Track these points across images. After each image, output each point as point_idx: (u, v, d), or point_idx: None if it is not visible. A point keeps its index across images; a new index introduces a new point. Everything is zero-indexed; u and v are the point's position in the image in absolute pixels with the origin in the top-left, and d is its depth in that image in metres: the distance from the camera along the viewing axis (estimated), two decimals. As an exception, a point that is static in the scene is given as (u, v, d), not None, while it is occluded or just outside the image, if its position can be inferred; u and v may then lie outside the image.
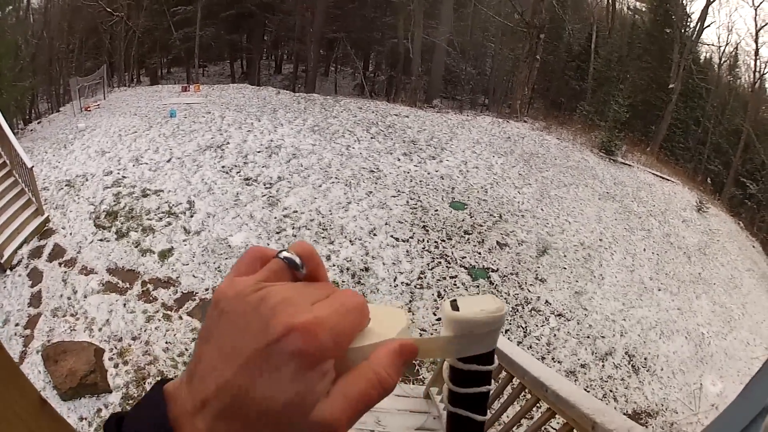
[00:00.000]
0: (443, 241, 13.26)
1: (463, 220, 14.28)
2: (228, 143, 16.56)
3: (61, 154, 15.81)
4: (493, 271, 12.67)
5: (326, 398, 0.44)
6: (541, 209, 16.18)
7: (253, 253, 0.52)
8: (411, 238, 13.10)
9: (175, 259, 11.28)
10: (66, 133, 18.01)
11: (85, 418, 7.98)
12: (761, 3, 33.93)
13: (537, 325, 11.49)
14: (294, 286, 0.49)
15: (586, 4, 39.43)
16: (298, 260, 0.51)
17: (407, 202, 14.57)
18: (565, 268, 13.67)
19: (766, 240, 26.55)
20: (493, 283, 12.27)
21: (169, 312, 10.03)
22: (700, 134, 35.38)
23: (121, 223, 12.25)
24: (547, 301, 12.26)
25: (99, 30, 31.23)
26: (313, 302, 0.47)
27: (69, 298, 10.11)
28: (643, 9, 38.53)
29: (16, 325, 9.62)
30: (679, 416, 10.76)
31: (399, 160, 17.39)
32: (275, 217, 12.98)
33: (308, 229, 12.67)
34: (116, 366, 8.87)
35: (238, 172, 14.79)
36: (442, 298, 11.40)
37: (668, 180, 24.37)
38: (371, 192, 14.73)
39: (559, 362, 10.76)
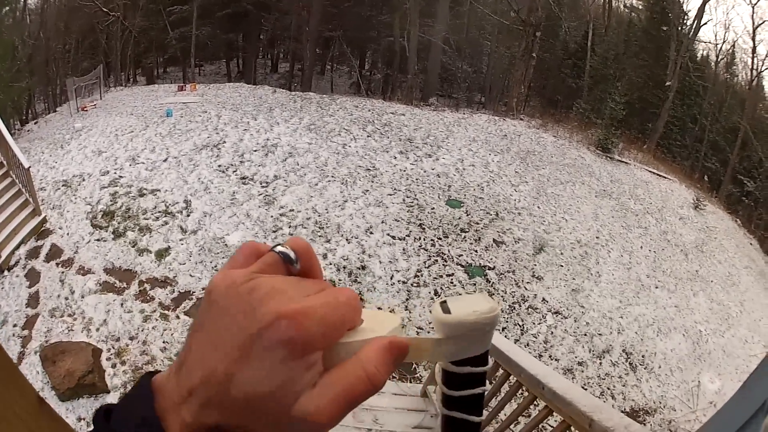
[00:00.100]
0: (440, 239, 13.27)
1: (459, 218, 14.29)
2: (224, 142, 16.54)
3: (57, 154, 15.78)
4: (489, 268, 12.67)
5: (312, 390, 0.44)
6: (538, 207, 16.19)
7: (248, 248, 0.53)
8: (407, 236, 13.10)
9: (172, 259, 11.27)
10: (63, 133, 17.96)
11: (84, 419, 7.96)
12: (758, 0, 33.92)
13: (534, 323, 11.50)
14: (286, 279, 0.49)
15: (582, 1, 39.33)
16: (293, 255, 0.51)
17: (404, 200, 14.57)
18: (561, 266, 13.69)
19: (764, 237, 26.54)
20: (489, 281, 12.28)
21: (166, 311, 10.02)
22: (697, 132, 35.35)
23: (118, 223, 12.23)
24: (544, 299, 12.27)
25: (95, 30, 31.12)
26: (304, 295, 0.47)
27: (66, 299, 10.10)
28: (640, 6, 38.44)
29: (14, 325, 9.60)
30: (677, 414, 10.77)
31: (395, 158, 17.39)
32: (272, 216, 12.97)
33: (305, 228, 12.66)
34: (114, 366, 8.86)
35: (234, 171, 14.77)
36: (439, 296, 11.38)
37: (665, 177, 24.39)
38: (368, 190, 14.73)
39: (556, 360, 10.77)
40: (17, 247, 11.35)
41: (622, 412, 8.44)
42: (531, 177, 18.24)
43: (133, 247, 11.53)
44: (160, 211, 12.75)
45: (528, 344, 10.89)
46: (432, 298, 11.23)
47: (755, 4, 34.08)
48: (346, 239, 12.54)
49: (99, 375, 8.52)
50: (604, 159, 23.06)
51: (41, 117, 26.10)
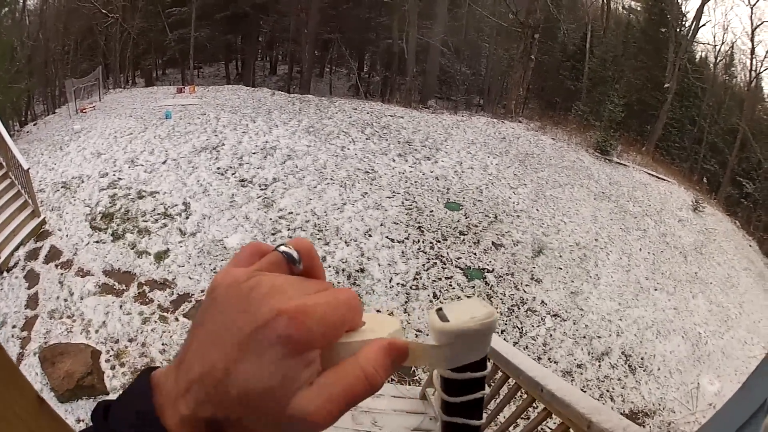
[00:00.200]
0: (438, 241, 13.27)
1: (458, 221, 14.29)
2: (223, 145, 16.54)
3: (57, 155, 15.77)
4: (488, 271, 12.67)
5: (309, 388, 0.44)
6: (537, 209, 16.19)
7: (252, 247, 0.53)
8: (406, 239, 13.10)
9: (171, 261, 11.27)
10: (62, 135, 17.96)
11: (83, 420, 7.95)
12: (757, 1, 33.90)
13: (533, 326, 11.50)
14: (287, 278, 0.49)
15: (580, 3, 39.35)
16: (295, 255, 0.51)
17: (402, 203, 14.57)
18: (560, 269, 13.69)
19: (763, 239, 26.57)
20: (488, 284, 12.28)
21: (165, 314, 10.02)
22: (695, 133, 35.35)
23: (117, 225, 12.22)
24: (542, 302, 12.27)
25: (94, 31, 31.18)
26: (305, 294, 0.47)
27: (66, 300, 10.09)
28: (638, 8, 38.49)
29: (13, 327, 9.59)
30: (677, 415, 10.77)
31: (394, 161, 17.38)
32: (270, 219, 12.97)
33: (303, 231, 12.66)
34: (113, 368, 8.86)
35: (233, 174, 14.77)
36: (438, 298, 11.41)
37: (664, 179, 24.40)
38: (366, 193, 14.73)
39: (555, 362, 10.77)
40: (16, 249, 11.35)
41: (621, 414, 8.44)
42: (530, 179, 18.24)
43: (132, 249, 11.53)
44: (159, 214, 12.75)
45: (527, 347, 10.88)
46: (431, 301, 11.24)
47: (754, 5, 34.11)
48: (345, 242, 12.54)
49: (98, 377, 8.51)
50: (603, 161, 23.06)
51: (40, 118, 26.20)
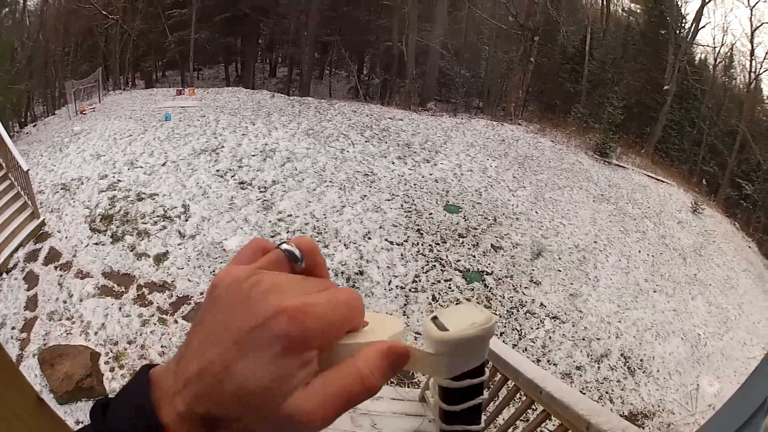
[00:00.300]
0: (438, 244, 13.26)
1: (457, 224, 14.28)
2: (223, 147, 16.54)
3: (56, 157, 15.76)
4: (487, 274, 12.67)
5: (305, 388, 0.44)
6: (536, 212, 16.19)
7: (255, 245, 0.54)
8: (405, 241, 13.09)
9: (170, 263, 11.26)
10: (61, 137, 17.95)
11: (82, 422, 7.91)
12: (756, 3, 33.86)
13: (532, 328, 11.49)
14: (289, 277, 0.49)
15: (580, 6, 39.36)
16: (298, 253, 0.51)
17: (402, 205, 14.56)
18: (559, 271, 13.68)
19: (762, 240, 26.59)
20: (487, 286, 12.27)
21: (164, 316, 10.02)
22: (695, 135, 35.33)
23: (117, 227, 12.22)
24: (542, 304, 12.26)
25: (94, 33, 31.19)
26: (305, 293, 0.47)
27: (65, 302, 10.09)
28: (638, 10, 38.53)
29: (12, 328, 9.59)
30: (676, 417, 10.77)
31: (393, 163, 17.38)
32: (270, 221, 12.97)
33: (303, 233, 12.64)
34: (112, 370, 8.86)
35: (232, 176, 14.77)
36: (437, 301, 11.40)
37: (663, 182, 24.41)
38: (366, 195, 14.72)
39: (554, 365, 10.76)
40: (16, 250, 11.34)
41: (620, 416, 8.44)
42: (529, 182, 18.24)
43: (132, 251, 11.53)
44: (158, 216, 12.74)
45: (526, 349, 10.88)
46: (430, 303, 11.24)
47: (753, 7, 34.11)
48: (344, 244, 12.53)
49: (97, 378, 8.52)
50: (602, 163, 23.08)
51: (40, 120, 26.20)
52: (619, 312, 13.02)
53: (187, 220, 12.61)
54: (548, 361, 10.79)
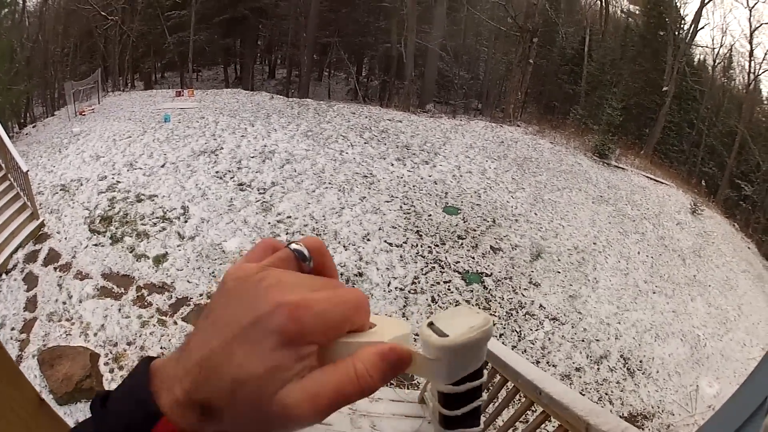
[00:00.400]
0: (437, 246, 13.26)
1: (456, 225, 14.29)
2: (222, 148, 16.54)
3: (56, 158, 15.76)
4: (486, 275, 12.67)
5: (298, 381, 0.44)
6: (535, 213, 16.19)
7: (265, 243, 0.55)
8: (404, 243, 13.09)
9: (170, 265, 11.26)
10: (61, 138, 17.95)
11: (80, 424, 7.94)
12: (756, 4, 33.85)
13: (531, 329, 11.49)
14: (295, 274, 0.51)
15: (579, 7, 39.35)
16: (306, 252, 0.53)
17: (401, 207, 14.57)
18: (559, 272, 13.69)
19: (762, 241, 26.54)
20: (487, 288, 12.27)
21: (163, 317, 10.01)
22: (694, 136, 35.27)
23: (116, 228, 12.21)
24: (541, 305, 12.26)
25: (93, 34, 31.15)
26: (310, 290, 0.48)
27: (64, 303, 10.08)
28: (637, 12, 38.46)
29: (12, 329, 9.58)
30: (676, 418, 10.77)
31: (392, 165, 17.39)
32: (269, 223, 12.97)
33: (302, 235, 12.62)
34: (112, 371, 8.85)
35: (231, 178, 14.77)
36: (436, 302, 11.40)
37: (662, 183, 24.41)
38: (365, 197, 14.72)
39: (553, 366, 10.76)
40: (15, 251, 11.34)
41: (620, 417, 8.44)
42: (528, 183, 18.25)
43: (131, 252, 11.52)
44: (157, 217, 12.74)
45: (525, 350, 10.88)
46: (429, 305, 11.24)
47: (752, 7, 34.08)
48: (344, 246, 12.54)
49: (97, 380, 8.51)
50: (601, 165, 23.09)
51: (39, 120, 26.16)
52: (619, 313, 13.02)
53: (186, 222, 12.61)
54: (548, 362, 10.79)
